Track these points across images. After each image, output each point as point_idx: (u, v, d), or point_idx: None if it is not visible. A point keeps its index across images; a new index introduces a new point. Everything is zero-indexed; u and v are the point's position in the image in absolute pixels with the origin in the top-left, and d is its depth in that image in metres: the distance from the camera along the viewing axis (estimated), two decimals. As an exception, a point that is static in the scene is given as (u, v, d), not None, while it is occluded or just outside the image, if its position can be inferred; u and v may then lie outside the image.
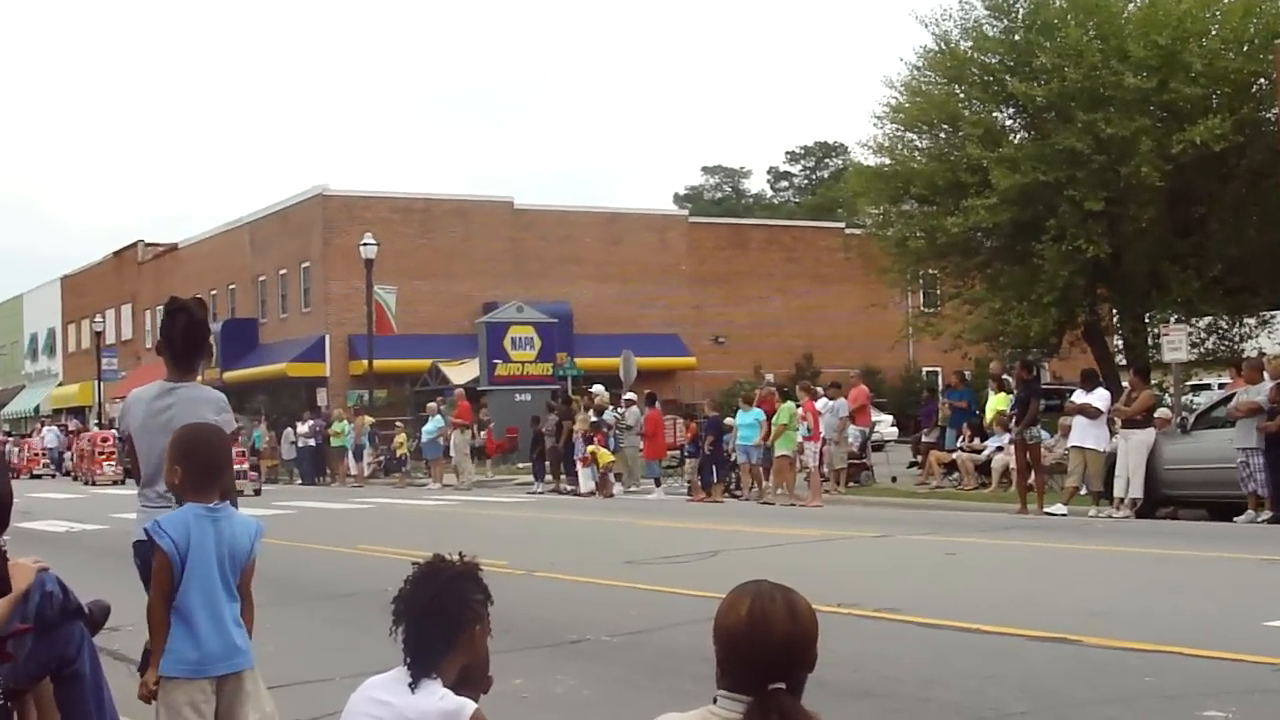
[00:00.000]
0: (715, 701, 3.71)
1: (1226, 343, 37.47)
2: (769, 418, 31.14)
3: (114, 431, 50.56)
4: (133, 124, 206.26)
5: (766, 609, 3.69)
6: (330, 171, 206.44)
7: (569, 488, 37.27)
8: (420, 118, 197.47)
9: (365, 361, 52.93)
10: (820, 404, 31.32)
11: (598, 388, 40.94)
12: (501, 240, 65.37)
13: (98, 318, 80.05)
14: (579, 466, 36.47)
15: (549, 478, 38.75)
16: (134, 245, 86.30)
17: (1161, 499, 24.23)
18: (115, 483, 49.17)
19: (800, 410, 30.30)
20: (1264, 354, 29.89)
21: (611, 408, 37.45)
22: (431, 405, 45.05)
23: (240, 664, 6.14)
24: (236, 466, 38.46)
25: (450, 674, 4.45)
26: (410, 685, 4.38)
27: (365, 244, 51.52)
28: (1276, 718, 8.58)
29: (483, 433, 45.39)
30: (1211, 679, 9.64)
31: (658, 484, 35.62)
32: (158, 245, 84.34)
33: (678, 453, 37.86)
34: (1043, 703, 9.19)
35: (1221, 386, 36.26)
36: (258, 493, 39.75)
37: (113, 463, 50.91)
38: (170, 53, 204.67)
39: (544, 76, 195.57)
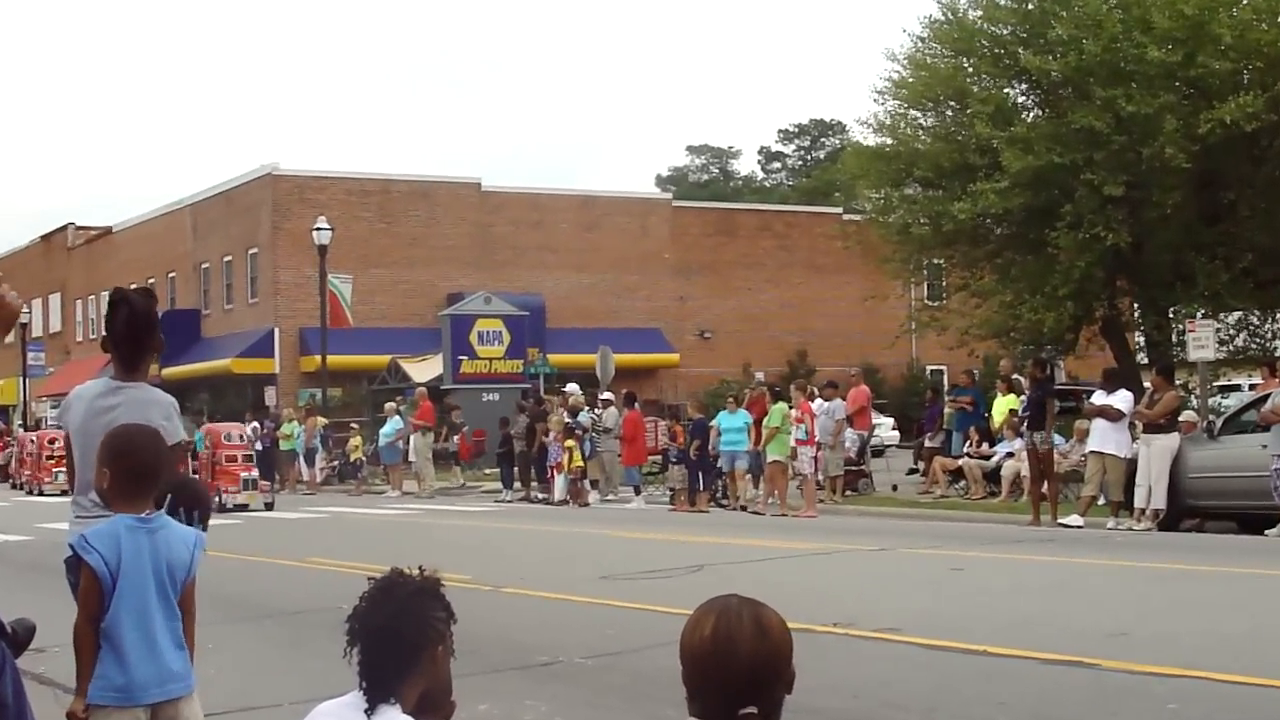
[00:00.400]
0: None
1: (1257, 340, 37.57)
2: (758, 421, 31.16)
3: (60, 427, 49.87)
4: (63, 95, 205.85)
5: (732, 627, 3.66)
6: (280, 149, 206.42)
7: (540, 496, 37.30)
8: (379, 91, 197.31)
9: (318, 357, 52.79)
10: (815, 405, 31.36)
11: (572, 387, 40.95)
12: (467, 225, 65.33)
13: (23, 308, 79.75)
14: (552, 473, 36.49)
15: (518, 485, 38.76)
16: (64, 228, 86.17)
17: (1186, 510, 24.30)
18: (65, 492, 48.44)
19: (796, 412, 30.31)
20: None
21: (587, 408, 37.45)
22: (390, 405, 45.01)
23: (176, 690, 6.07)
24: (243, 474, 37.42)
25: (410, 699, 4.44)
26: (366, 711, 4.37)
27: (318, 228, 51.41)
28: (1311, 749, 8.61)
29: (455, 437, 45.37)
30: (1241, 706, 9.68)
31: (637, 492, 35.64)
32: (90, 229, 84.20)
33: (659, 458, 37.87)
34: (1057, 732, 9.21)
35: (1252, 388, 36.36)
36: (269, 506, 37.32)
37: (65, 469, 49.93)
38: (106, 18, 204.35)
39: (514, 46, 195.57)
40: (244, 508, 36.33)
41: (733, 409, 32.34)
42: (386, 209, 64.13)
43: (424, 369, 55.18)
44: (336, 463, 48.81)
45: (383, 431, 44.35)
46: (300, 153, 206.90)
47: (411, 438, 42.27)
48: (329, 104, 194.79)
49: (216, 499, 34.61)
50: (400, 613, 4.43)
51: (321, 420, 48.46)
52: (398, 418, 43.47)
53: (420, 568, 4.60)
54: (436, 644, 4.49)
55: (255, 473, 38.54)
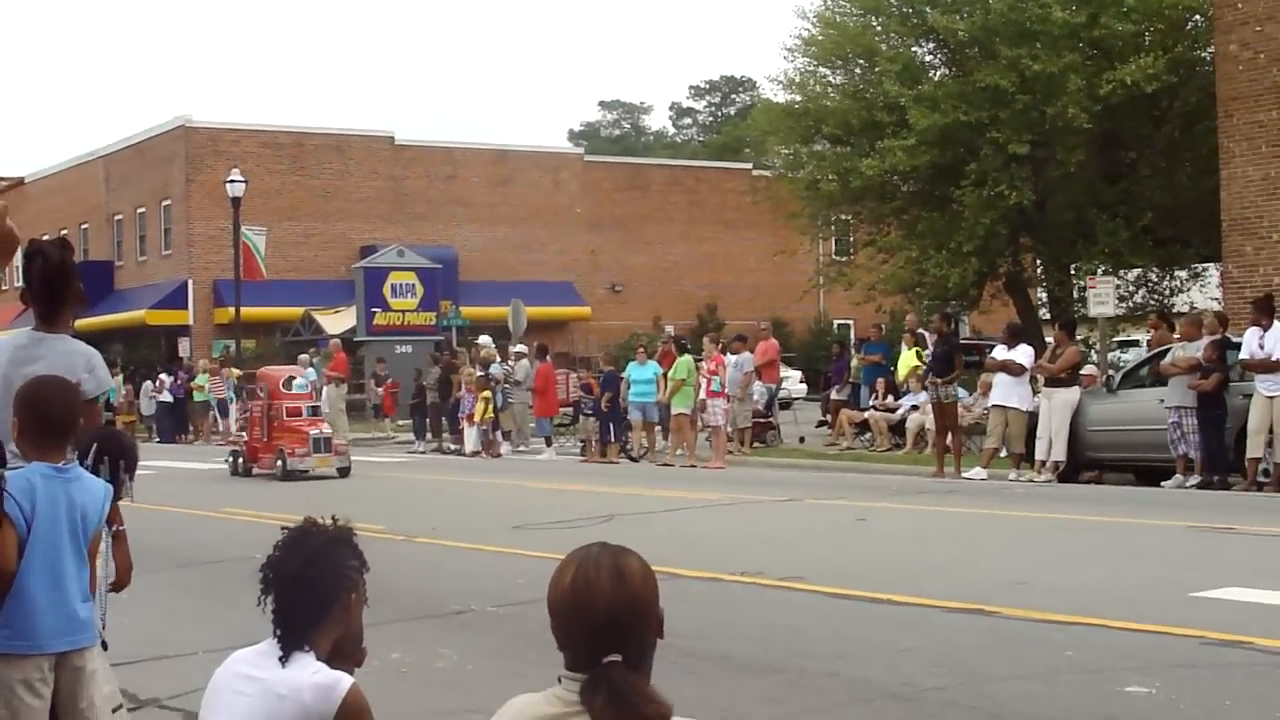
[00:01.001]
0: (560, 681, 3.67)
1: (1156, 296, 37.94)
2: (667, 374, 31.24)
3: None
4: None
5: (589, 577, 3.61)
6: (194, 101, 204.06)
7: (453, 447, 37.21)
8: (292, 43, 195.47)
9: (232, 309, 52.43)
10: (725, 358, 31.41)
11: (484, 339, 40.83)
12: (381, 179, 64.93)
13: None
14: (464, 424, 36.41)
15: (430, 436, 38.68)
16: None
17: (1085, 462, 24.52)
18: None
19: (710, 364, 30.33)
20: (1195, 307, 30.36)
21: (499, 361, 37.37)
22: (304, 357, 44.72)
23: (82, 640, 5.99)
24: (311, 432, 29.30)
25: (323, 647, 4.44)
26: (281, 659, 4.36)
27: (232, 181, 50.92)
28: (1202, 694, 8.73)
29: (379, 389, 45.10)
30: (1135, 653, 9.79)
31: (549, 443, 35.61)
32: (2, 179, 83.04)
33: (570, 410, 37.89)
34: (958, 678, 9.29)
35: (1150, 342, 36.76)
36: (344, 472, 29.22)
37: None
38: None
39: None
40: (302, 474, 28.57)
41: (642, 360, 32.35)
42: (300, 162, 63.62)
43: (337, 321, 54.88)
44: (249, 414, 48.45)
45: (296, 383, 44.00)
46: (213, 105, 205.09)
47: (325, 389, 42.03)
48: (242, 55, 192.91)
49: (277, 463, 29.14)
50: (314, 561, 4.43)
51: (235, 371, 48.13)
52: (311, 370, 43.20)
53: (333, 517, 4.60)
54: (350, 592, 4.49)
55: (326, 429, 30.71)
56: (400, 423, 44.31)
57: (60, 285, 7.30)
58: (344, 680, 4.36)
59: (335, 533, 4.53)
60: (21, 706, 5.82)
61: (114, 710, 6.16)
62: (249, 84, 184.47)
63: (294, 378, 31.91)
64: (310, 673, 4.34)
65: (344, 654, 4.55)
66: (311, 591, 4.41)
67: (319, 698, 4.31)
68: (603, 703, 3.52)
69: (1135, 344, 43.18)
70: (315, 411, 31.35)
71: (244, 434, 33.03)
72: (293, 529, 4.53)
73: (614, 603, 3.58)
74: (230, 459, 31.54)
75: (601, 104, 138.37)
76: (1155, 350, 25.15)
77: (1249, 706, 8.47)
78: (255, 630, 4.61)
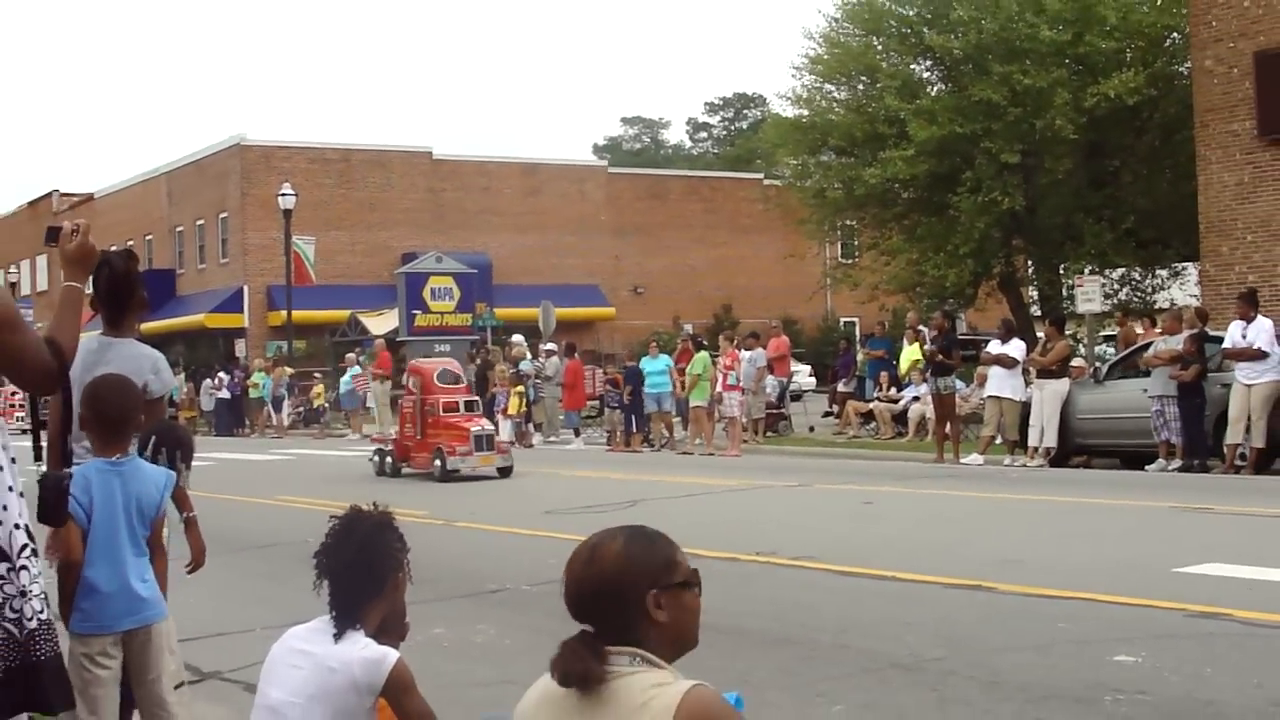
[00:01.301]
0: None
1: (1139, 294, 37.84)
2: (684, 370, 31.21)
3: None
4: (46, 70, 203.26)
5: (573, 557, 3.73)
6: (248, 121, 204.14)
7: (488, 438, 37.21)
8: (338, 66, 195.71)
9: (284, 312, 52.54)
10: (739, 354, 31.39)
11: (517, 338, 40.88)
12: (420, 190, 65.01)
13: (12, 268, 79.03)
14: (499, 417, 36.44)
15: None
16: (49, 195, 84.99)
17: (1075, 448, 24.48)
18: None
19: (726, 359, 30.34)
20: (1175, 304, 30.30)
21: (530, 358, 37.39)
22: (350, 356, 44.79)
23: (148, 617, 6.05)
24: (474, 430, 25.19)
25: (371, 623, 4.48)
26: (335, 635, 4.40)
27: (283, 194, 51.04)
28: (1186, 662, 8.70)
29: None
30: (1123, 625, 9.76)
31: (577, 434, 35.63)
32: (73, 195, 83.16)
33: (596, 403, 37.89)
34: (957, 649, 9.27)
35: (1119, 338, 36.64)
36: (504, 472, 25.18)
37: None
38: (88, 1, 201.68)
39: (462, 22, 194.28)
40: (454, 473, 24.61)
41: (654, 353, 32.37)
42: (346, 176, 63.70)
43: (381, 322, 54.93)
44: (302, 409, 48.63)
45: (343, 380, 44.14)
46: (267, 123, 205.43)
47: (371, 385, 42.08)
48: (293, 78, 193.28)
49: (435, 462, 25.02)
50: (364, 547, 4.47)
51: (287, 370, 48.25)
52: (357, 367, 43.29)
53: (374, 503, 4.63)
54: (396, 572, 4.54)
55: (488, 425, 26.62)
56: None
57: (124, 294, 7.31)
58: (390, 654, 4.40)
59: (379, 518, 4.57)
60: (91, 677, 5.94)
61: (176, 687, 6.20)
62: (299, 104, 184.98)
63: (448, 370, 27.43)
64: (359, 648, 4.38)
65: (389, 629, 4.59)
66: (364, 574, 4.46)
67: (367, 671, 4.35)
68: (551, 660, 3.63)
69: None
70: (473, 407, 26.88)
71: (391, 430, 29.86)
72: (341, 517, 4.56)
73: (580, 580, 3.68)
74: (376, 458, 27.16)
75: (623, 120, 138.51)
76: (1139, 344, 25.09)
77: (1228, 673, 8.44)
78: (308, 608, 4.63)
